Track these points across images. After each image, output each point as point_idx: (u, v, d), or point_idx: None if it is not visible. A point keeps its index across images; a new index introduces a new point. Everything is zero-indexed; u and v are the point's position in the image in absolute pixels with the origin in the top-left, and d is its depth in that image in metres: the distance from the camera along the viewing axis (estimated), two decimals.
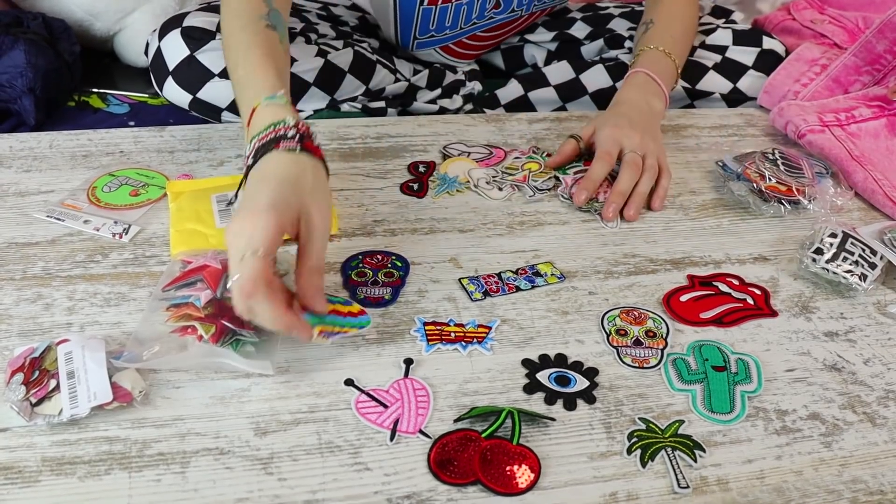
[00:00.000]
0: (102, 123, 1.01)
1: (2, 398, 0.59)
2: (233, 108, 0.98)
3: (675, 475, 0.58)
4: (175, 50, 0.98)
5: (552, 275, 0.76)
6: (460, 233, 0.81)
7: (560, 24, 1.19)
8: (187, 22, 0.98)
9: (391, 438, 0.59)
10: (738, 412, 0.64)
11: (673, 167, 0.91)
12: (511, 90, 1.12)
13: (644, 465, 0.59)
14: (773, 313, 0.74)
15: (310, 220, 0.62)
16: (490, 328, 0.69)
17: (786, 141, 1.02)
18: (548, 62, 1.19)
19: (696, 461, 0.59)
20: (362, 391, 0.62)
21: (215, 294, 0.64)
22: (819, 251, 0.78)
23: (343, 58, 1.02)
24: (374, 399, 0.62)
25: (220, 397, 0.61)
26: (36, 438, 0.57)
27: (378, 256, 0.76)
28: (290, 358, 0.64)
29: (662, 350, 0.68)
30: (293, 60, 0.99)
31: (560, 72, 1.13)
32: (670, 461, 0.59)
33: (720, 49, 1.12)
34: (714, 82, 1.11)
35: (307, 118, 1.00)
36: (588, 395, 0.64)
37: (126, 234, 0.76)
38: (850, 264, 0.77)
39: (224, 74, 0.96)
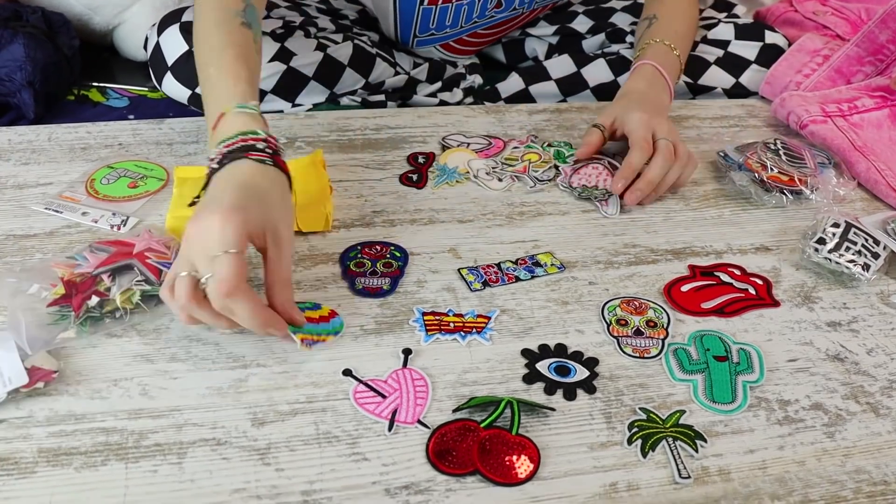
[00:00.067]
0: (102, 117, 1.00)
1: None
2: None
3: (676, 465, 0.57)
4: (174, 45, 0.98)
5: (552, 265, 0.75)
6: (460, 223, 0.81)
7: (562, 17, 1.19)
8: (186, 17, 0.98)
9: (389, 428, 0.58)
10: (740, 402, 0.63)
11: None
12: (512, 84, 1.12)
13: (645, 455, 0.58)
14: (776, 303, 0.74)
15: (277, 232, 0.62)
16: (489, 318, 0.69)
17: (788, 132, 1.01)
18: (549, 56, 1.19)
19: (697, 451, 0.59)
20: (360, 381, 0.62)
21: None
22: (821, 241, 0.77)
23: (343, 51, 1.02)
24: (372, 389, 0.61)
25: (218, 388, 0.61)
26: (32, 430, 0.56)
27: (377, 247, 0.76)
28: (288, 348, 0.64)
29: (663, 340, 0.68)
30: (293, 54, 0.99)
31: (561, 65, 1.12)
32: (671, 451, 0.58)
33: (722, 44, 1.11)
34: (716, 77, 1.10)
35: (306, 112, 1.00)
36: (588, 385, 0.63)
37: (124, 225, 0.76)
38: (853, 254, 0.76)
39: None
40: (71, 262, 0.69)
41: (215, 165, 0.64)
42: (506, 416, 0.59)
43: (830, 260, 0.76)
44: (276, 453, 0.56)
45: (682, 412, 0.62)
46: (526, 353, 0.66)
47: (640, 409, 0.62)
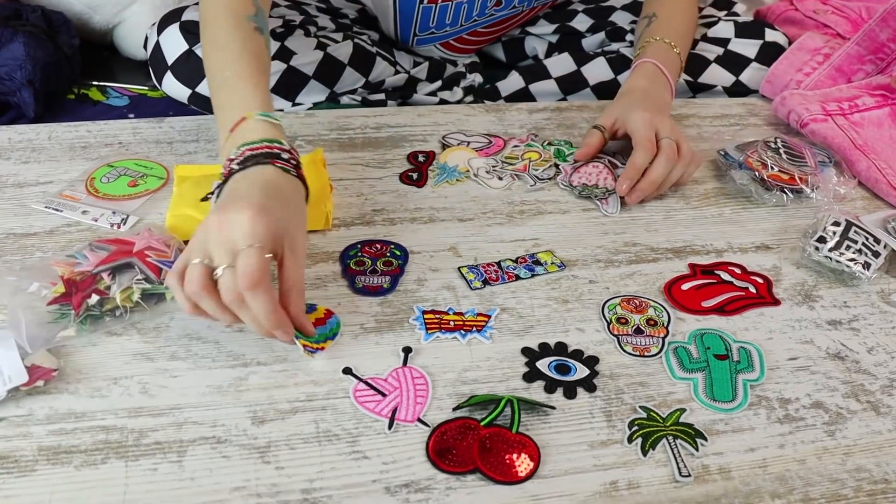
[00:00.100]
0: (102, 116, 1.00)
1: None
2: None
3: (677, 463, 0.57)
4: (174, 44, 0.98)
5: (552, 263, 0.75)
6: (460, 222, 0.80)
7: (561, 16, 1.19)
8: (186, 16, 0.98)
9: (389, 427, 0.58)
10: (741, 401, 0.63)
11: None
12: (512, 82, 1.12)
13: (645, 453, 0.58)
14: (776, 302, 0.74)
15: (295, 240, 0.62)
16: (489, 317, 0.68)
17: (788, 130, 1.01)
18: (549, 54, 1.18)
19: (697, 450, 0.59)
20: (360, 380, 0.62)
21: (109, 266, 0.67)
22: (822, 239, 0.77)
23: (343, 50, 1.02)
24: (372, 387, 0.61)
25: (218, 386, 0.61)
26: (32, 428, 0.56)
27: (377, 245, 0.76)
28: (288, 347, 0.64)
29: (664, 338, 0.68)
30: (293, 53, 0.99)
31: (561, 64, 1.12)
32: (671, 450, 0.58)
33: (722, 42, 1.11)
34: (716, 75, 1.10)
35: (306, 111, 1.00)
36: (588, 384, 0.63)
37: (124, 224, 0.76)
38: (854, 253, 0.76)
39: None
40: (71, 260, 0.69)
41: (236, 166, 0.64)
42: (506, 414, 0.59)
43: (831, 258, 0.76)
44: (276, 451, 0.56)
45: (683, 411, 0.62)
46: (526, 351, 0.66)
47: (640, 407, 0.62)
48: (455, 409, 0.60)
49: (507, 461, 0.56)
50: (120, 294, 0.65)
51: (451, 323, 0.67)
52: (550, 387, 0.63)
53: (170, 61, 0.98)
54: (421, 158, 0.90)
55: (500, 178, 0.87)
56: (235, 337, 0.65)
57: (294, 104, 1.01)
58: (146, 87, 1.08)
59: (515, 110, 1.02)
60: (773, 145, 0.91)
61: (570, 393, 0.62)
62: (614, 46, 1.14)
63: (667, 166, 0.83)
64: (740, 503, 0.55)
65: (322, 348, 0.64)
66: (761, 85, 1.09)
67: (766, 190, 0.87)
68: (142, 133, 0.91)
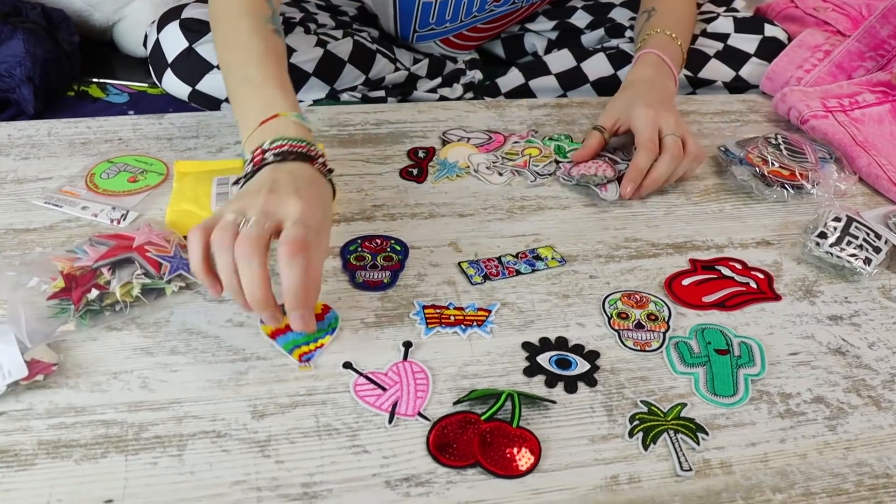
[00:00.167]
0: (102, 113, 1.00)
1: None
2: None
3: (678, 458, 0.57)
4: (174, 42, 0.98)
5: (553, 258, 0.75)
6: (460, 217, 0.80)
7: (561, 12, 1.19)
8: (186, 14, 0.98)
9: (390, 421, 0.58)
10: (742, 395, 0.63)
11: None
12: (512, 78, 1.12)
13: (646, 447, 0.58)
14: (777, 297, 0.74)
15: (321, 239, 0.62)
16: (490, 311, 0.68)
17: (788, 127, 1.01)
18: (548, 51, 1.18)
19: (698, 444, 0.58)
20: (361, 374, 0.62)
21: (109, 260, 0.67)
22: (823, 235, 0.77)
23: (342, 47, 1.02)
24: (372, 382, 0.61)
25: (218, 381, 0.60)
26: (32, 422, 0.56)
27: (377, 241, 0.75)
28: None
29: (664, 333, 0.68)
30: (292, 51, 0.99)
31: (561, 60, 1.12)
32: (673, 444, 0.58)
33: (722, 37, 1.11)
34: (716, 70, 1.10)
35: (307, 108, 1.00)
36: (589, 378, 0.63)
37: (124, 219, 0.76)
38: (855, 248, 0.76)
39: None
40: (71, 255, 0.68)
41: (271, 156, 0.65)
42: (506, 408, 0.59)
43: (832, 254, 0.76)
44: (276, 445, 0.56)
45: (684, 405, 0.61)
46: (527, 346, 0.66)
47: (641, 401, 0.61)
48: (455, 403, 0.60)
49: (508, 455, 0.56)
50: (120, 289, 0.65)
51: (452, 318, 0.67)
52: (551, 381, 0.62)
53: (170, 59, 0.98)
54: (421, 154, 0.90)
55: (501, 174, 0.87)
56: (235, 332, 0.65)
57: None
58: (146, 85, 1.08)
59: (515, 107, 1.02)
60: (773, 141, 0.91)
61: (570, 387, 0.62)
62: (614, 42, 1.14)
63: (671, 165, 0.83)
64: (741, 497, 0.55)
65: (320, 347, 0.63)
66: (761, 82, 1.09)
67: (766, 186, 0.87)
68: (142, 129, 0.91)
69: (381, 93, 1.06)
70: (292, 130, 0.68)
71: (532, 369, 0.63)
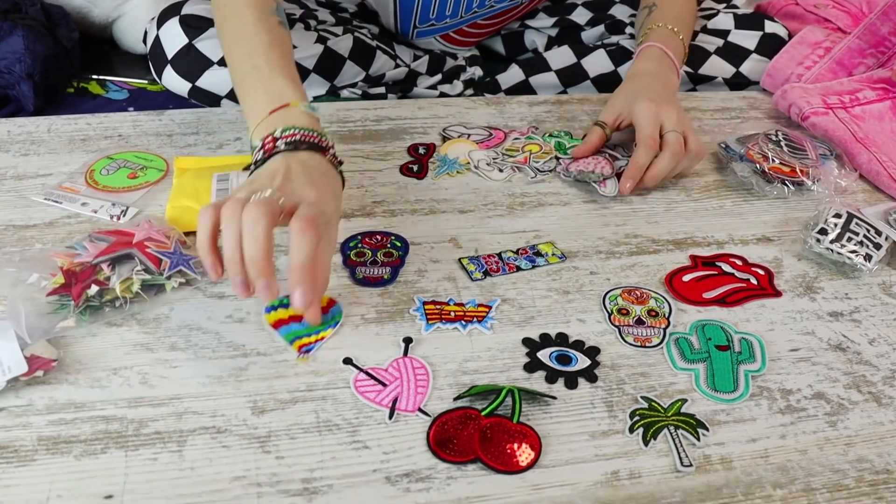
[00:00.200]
0: (102, 109, 1.00)
1: None
2: (232, 95, 0.97)
3: (678, 454, 0.57)
4: (173, 38, 0.98)
5: (553, 255, 0.75)
6: (460, 213, 0.80)
7: (561, 9, 1.18)
8: (186, 10, 0.98)
9: (390, 417, 0.58)
10: (742, 391, 0.63)
11: None
12: (512, 75, 1.11)
13: (646, 443, 0.58)
14: (777, 293, 0.73)
15: (331, 232, 0.63)
16: (490, 307, 0.68)
17: (789, 123, 1.01)
18: (548, 47, 1.18)
19: (699, 440, 0.58)
20: (361, 370, 0.62)
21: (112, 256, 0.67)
22: (823, 231, 0.77)
23: (343, 44, 1.02)
24: (372, 378, 0.61)
25: (218, 376, 0.60)
26: (32, 418, 0.56)
27: (377, 237, 0.75)
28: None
29: (665, 329, 0.68)
30: (293, 47, 0.98)
31: (561, 56, 1.12)
32: (673, 440, 0.58)
33: (722, 33, 1.11)
34: (717, 67, 1.10)
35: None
36: (589, 374, 0.63)
37: (124, 215, 0.76)
38: (855, 244, 0.76)
39: (223, 63, 0.96)
40: (70, 251, 0.68)
41: (283, 144, 0.65)
42: (507, 404, 0.59)
43: (832, 250, 0.76)
44: (276, 441, 0.56)
45: (684, 401, 0.61)
46: (527, 341, 0.66)
47: (641, 397, 0.61)
48: (456, 399, 0.60)
49: (508, 451, 0.56)
50: (120, 285, 0.65)
51: (452, 314, 0.67)
52: (551, 377, 0.62)
53: (170, 55, 0.98)
54: (421, 150, 0.90)
55: (501, 171, 0.87)
56: (235, 327, 0.65)
57: None
58: (146, 81, 1.08)
59: (516, 103, 1.02)
60: (774, 138, 0.91)
61: (571, 383, 0.62)
62: (614, 39, 1.14)
63: (671, 162, 0.83)
64: (742, 493, 0.55)
65: (321, 339, 0.63)
66: (762, 79, 1.09)
67: (767, 182, 0.87)
68: (141, 126, 0.91)
69: (382, 89, 1.05)
70: (303, 120, 0.67)
71: (532, 365, 0.63)
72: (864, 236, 0.77)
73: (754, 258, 0.78)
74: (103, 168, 0.82)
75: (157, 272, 0.66)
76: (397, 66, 1.07)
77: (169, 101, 1.03)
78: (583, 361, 0.64)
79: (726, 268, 0.76)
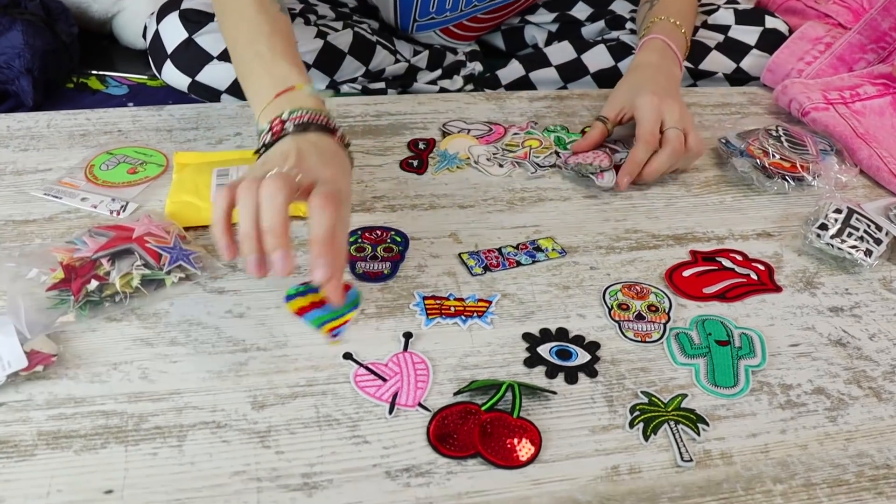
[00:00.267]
0: (101, 105, 1.00)
1: None
2: (232, 90, 0.97)
3: (679, 449, 0.57)
4: (173, 33, 0.98)
5: (553, 250, 0.75)
6: (460, 208, 0.80)
7: (561, 4, 1.18)
8: (185, 4, 0.98)
9: (390, 412, 0.58)
10: (742, 386, 0.63)
11: None
12: (512, 70, 1.11)
13: (646, 438, 0.58)
14: (778, 288, 0.73)
15: (346, 212, 0.62)
16: (490, 302, 0.68)
17: (789, 119, 1.01)
18: (548, 43, 1.18)
19: (699, 435, 0.58)
20: (361, 365, 0.62)
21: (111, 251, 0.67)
22: (824, 226, 0.77)
23: (343, 39, 1.02)
24: (372, 372, 0.61)
25: (218, 371, 0.60)
26: (32, 413, 0.56)
27: (377, 232, 0.75)
28: (288, 332, 0.64)
29: (665, 324, 0.68)
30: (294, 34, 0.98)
31: (561, 52, 1.12)
32: (673, 435, 0.58)
33: (722, 29, 1.10)
34: (717, 62, 1.09)
35: None
36: (589, 369, 0.63)
37: (124, 210, 0.76)
38: (855, 240, 0.76)
39: (223, 57, 0.96)
40: (70, 246, 0.68)
41: (291, 126, 0.64)
42: (507, 399, 0.59)
43: (833, 246, 0.76)
44: (276, 436, 0.56)
45: (684, 396, 0.61)
46: (527, 336, 0.65)
47: (641, 392, 0.61)
48: (456, 394, 0.60)
49: (509, 446, 0.56)
50: (119, 280, 0.65)
51: (452, 308, 0.67)
52: (551, 372, 0.62)
53: (169, 50, 0.98)
54: (421, 146, 0.89)
55: (501, 166, 0.87)
56: (235, 322, 0.65)
57: None
58: (145, 77, 1.08)
59: (516, 98, 1.02)
60: (774, 133, 0.91)
61: (571, 378, 0.62)
62: (614, 34, 1.13)
63: (670, 159, 0.83)
64: (742, 488, 0.55)
65: (345, 322, 0.61)
66: (762, 74, 1.09)
67: (767, 177, 0.87)
68: (141, 121, 0.91)
69: (382, 84, 1.05)
70: (310, 102, 0.67)
71: (532, 360, 0.63)
72: (865, 232, 0.77)
73: (754, 253, 0.78)
74: (103, 163, 0.82)
75: (157, 267, 0.66)
76: (397, 61, 1.07)
77: (169, 96, 1.03)
78: (583, 356, 0.64)
79: (726, 263, 0.76)
